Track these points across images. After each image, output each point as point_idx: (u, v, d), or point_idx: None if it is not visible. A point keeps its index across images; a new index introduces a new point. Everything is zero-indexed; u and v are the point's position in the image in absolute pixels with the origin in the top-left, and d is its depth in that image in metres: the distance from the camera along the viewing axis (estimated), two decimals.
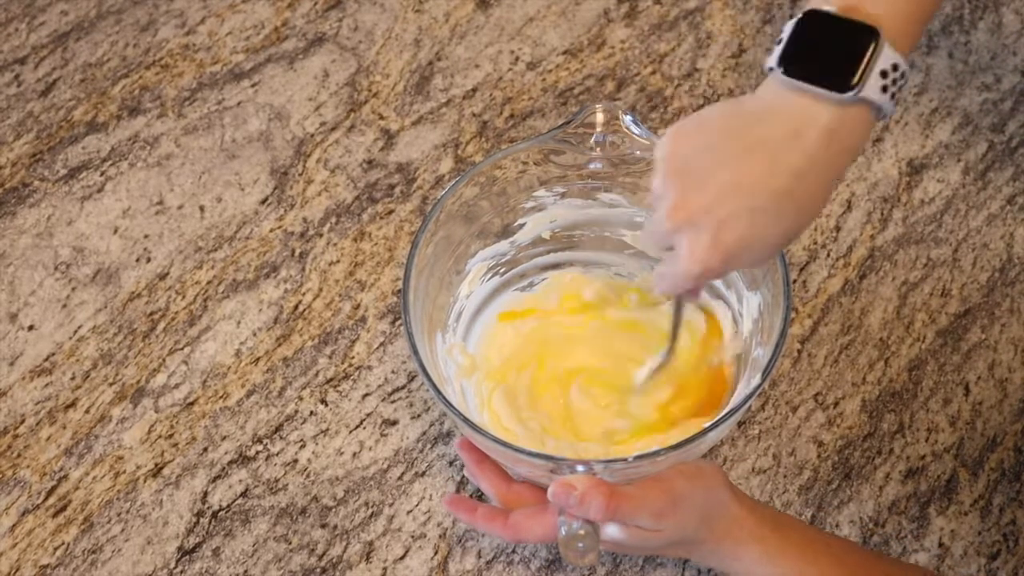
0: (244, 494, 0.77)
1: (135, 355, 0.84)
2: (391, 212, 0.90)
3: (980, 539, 0.74)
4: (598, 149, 0.75)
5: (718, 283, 0.78)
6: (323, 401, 0.81)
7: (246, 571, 0.74)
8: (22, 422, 0.81)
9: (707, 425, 0.66)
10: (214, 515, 0.76)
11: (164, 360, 0.83)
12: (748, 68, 0.96)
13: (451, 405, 0.67)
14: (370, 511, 0.76)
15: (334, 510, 0.76)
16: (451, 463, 0.78)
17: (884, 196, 0.89)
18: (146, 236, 0.90)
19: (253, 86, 0.98)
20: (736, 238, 0.58)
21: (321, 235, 0.89)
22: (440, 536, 0.75)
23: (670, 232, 0.59)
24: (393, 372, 0.82)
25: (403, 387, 0.81)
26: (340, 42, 1.00)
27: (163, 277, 0.87)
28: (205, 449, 0.79)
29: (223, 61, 1.00)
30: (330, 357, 0.83)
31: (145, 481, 0.78)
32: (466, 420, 0.67)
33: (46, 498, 0.78)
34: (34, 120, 0.97)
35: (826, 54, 0.57)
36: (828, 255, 0.86)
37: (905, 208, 0.88)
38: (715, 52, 0.98)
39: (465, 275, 0.79)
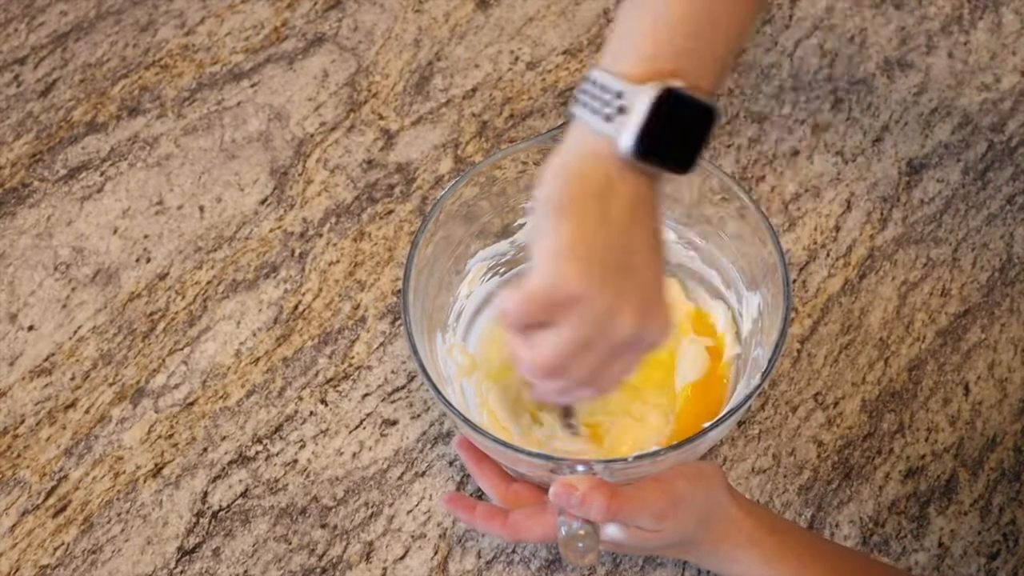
0: (244, 494, 0.77)
1: (135, 355, 0.84)
2: (391, 212, 0.90)
3: (980, 539, 0.74)
4: None
5: (718, 283, 0.78)
6: (323, 401, 0.81)
7: (246, 571, 0.74)
8: (22, 422, 0.81)
9: (707, 425, 0.66)
10: (214, 515, 0.76)
11: (164, 360, 0.83)
12: (747, 68, 0.96)
13: (451, 405, 0.67)
14: (370, 511, 0.76)
15: (334, 510, 0.76)
16: (451, 463, 0.78)
17: (884, 196, 0.89)
18: (146, 236, 0.90)
19: (253, 86, 0.98)
20: (638, 295, 0.59)
21: (321, 235, 0.89)
22: (440, 536, 0.75)
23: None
24: (393, 372, 0.82)
25: (403, 387, 0.81)
26: (340, 42, 1.00)
27: (163, 277, 0.87)
28: (205, 449, 0.79)
29: (223, 61, 1.00)
30: (330, 357, 0.83)
31: (145, 481, 0.78)
32: (466, 420, 0.67)
33: (46, 498, 0.78)
34: (34, 120, 0.97)
35: (677, 137, 0.57)
36: (828, 255, 0.86)
37: (905, 208, 0.88)
38: None
39: (465, 275, 0.79)
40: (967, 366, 0.80)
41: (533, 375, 0.60)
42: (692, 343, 0.77)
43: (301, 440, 0.79)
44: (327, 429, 0.80)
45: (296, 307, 0.85)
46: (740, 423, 0.79)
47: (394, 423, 0.80)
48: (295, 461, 0.78)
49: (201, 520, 0.76)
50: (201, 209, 0.91)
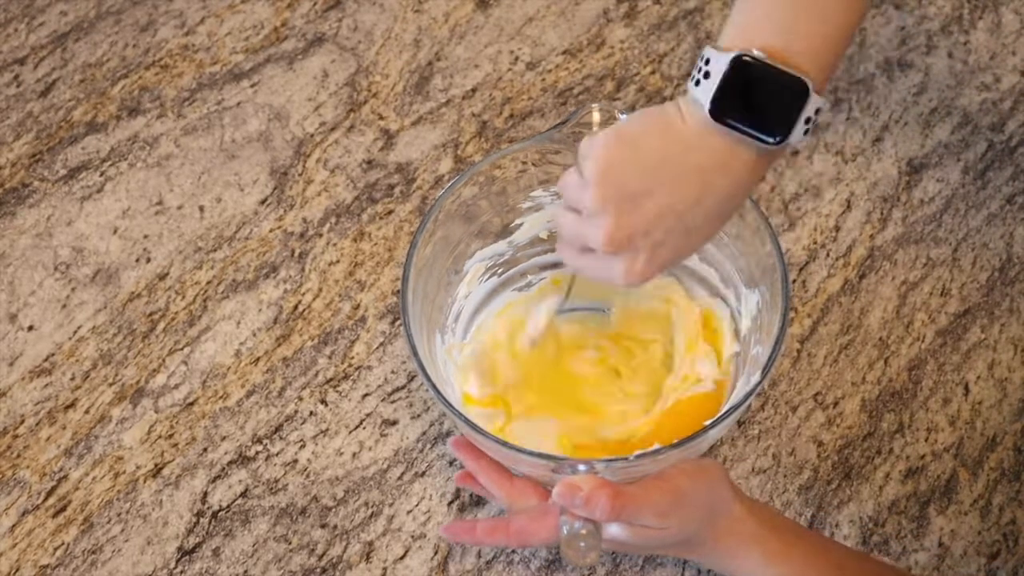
0: (244, 494, 0.77)
1: (135, 355, 0.84)
2: (391, 212, 0.90)
3: (980, 539, 0.74)
4: None
5: (717, 282, 0.78)
6: (323, 401, 0.81)
7: (246, 571, 0.74)
8: (22, 422, 0.81)
9: (708, 423, 0.66)
10: (214, 515, 0.76)
11: (164, 360, 0.83)
12: None
13: (451, 405, 0.67)
14: (370, 511, 0.76)
15: (334, 510, 0.76)
16: (451, 463, 0.78)
17: (884, 196, 0.89)
18: (146, 236, 0.90)
19: (252, 86, 0.98)
20: (670, 255, 0.62)
21: (321, 235, 0.89)
22: (440, 536, 0.75)
23: (607, 253, 0.61)
24: (393, 372, 0.82)
25: (403, 387, 0.81)
26: (339, 42, 1.00)
27: (163, 277, 0.87)
28: (205, 449, 0.79)
29: (222, 61, 1.00)
30: (330, 357, 0.83)
31: (145, 481, 0.78)
32: (467, 420, 0.67)
33: (46, 498, 0.78)
34: (34, 120, 0.97)
35: (758, 104, 0.59)
36: (828, 255, 0.86)
37: (905, 208, 0.88)
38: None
39: (463, 275, 0.79)
40: (967, 366, 0.80)
41: (623, 286, 0.63)
42: (702, 366, 0.77)
43: (301, 440, 0.79)
44: (327, 429, 0.80)
45: (296, 307, 0.85)
46: (740, 423, 0.79)
47: (394, 423, 0.80)
48: (295, 461, 0.78)
49: (201, 520, 0.76)
50: (201, 209, 0.91)
